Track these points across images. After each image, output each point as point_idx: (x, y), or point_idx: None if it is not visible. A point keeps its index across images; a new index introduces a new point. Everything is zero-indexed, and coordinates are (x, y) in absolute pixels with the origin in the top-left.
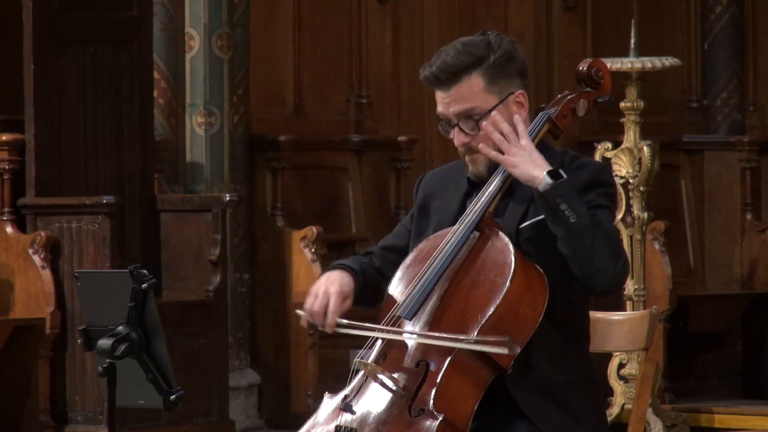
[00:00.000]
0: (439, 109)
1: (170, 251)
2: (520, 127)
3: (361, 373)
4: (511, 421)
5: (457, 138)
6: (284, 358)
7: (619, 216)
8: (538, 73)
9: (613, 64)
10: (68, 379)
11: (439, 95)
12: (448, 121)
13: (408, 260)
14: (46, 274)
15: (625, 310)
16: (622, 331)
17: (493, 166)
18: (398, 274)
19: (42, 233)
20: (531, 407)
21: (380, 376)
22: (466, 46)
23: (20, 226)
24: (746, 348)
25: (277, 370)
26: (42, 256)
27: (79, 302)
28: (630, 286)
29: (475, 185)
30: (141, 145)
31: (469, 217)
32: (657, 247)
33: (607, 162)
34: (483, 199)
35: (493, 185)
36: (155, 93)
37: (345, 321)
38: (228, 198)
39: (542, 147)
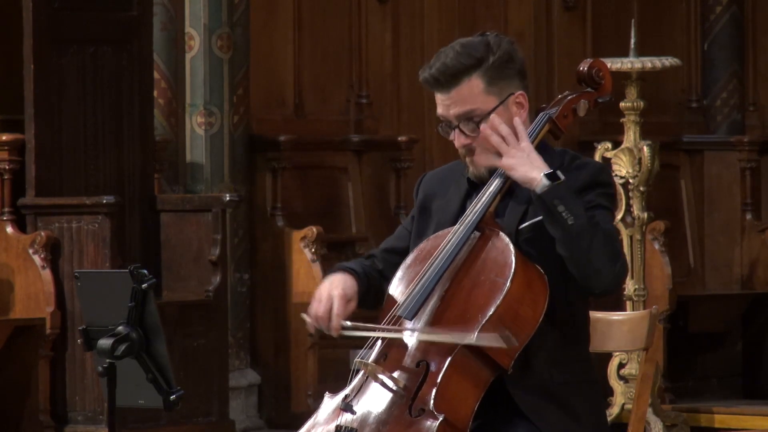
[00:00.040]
0: (439, 110)
1: (170, 251)
2: (520, 129)
3: (362, 373)
4: (511, 421)
5: (458, 140)
6: (284, 358)
7: (619, 216)
8: (538, 73)
9: (613, 64)
10: (68, 379)
11: (439, 97)
12: (448, 123)
13: (408, 260)
14: (46, 274)
15: (625, 310)
16: (622, 331)
17: (494, 167)
18: (398, 274)
19: (42, 233)
20: (531, 407)
21: (381, 376)
22: (466, 48)
23: (20, 226)
24: (746, 348)
25: (277, 370)
26: (42, 256)
27: (79, 302)
28: (630, 286)
29: (475, 185)
30: (141, 145)
31: (469, 217)
32: (657, 247)
33: (607, 162)
34: (483, 199)
35: (494, 185)
36: (155, 93)
37: (349, 323)
38: (228, 198)
39: (542, 147)
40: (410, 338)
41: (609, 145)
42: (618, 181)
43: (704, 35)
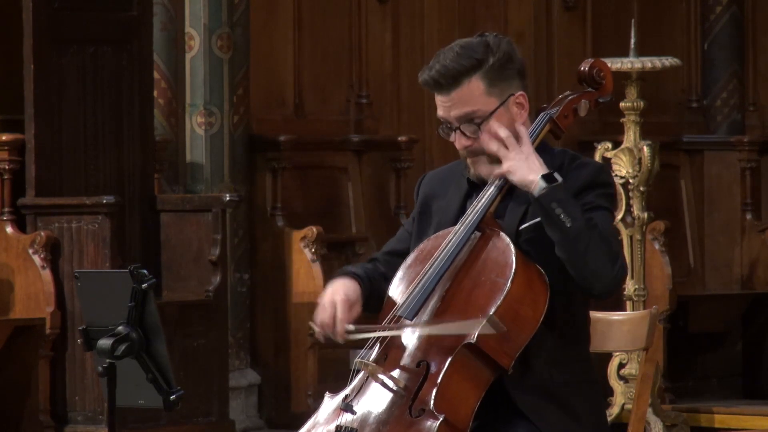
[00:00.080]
0: (440, 112)
1: (170, 251)
2: (523, 133)
3: (362, 373)
4: (511, 421)
5: (459, 141)
6: (284, 358)
7: (619, 216)
8: (538, 73)
9: (613, 64)
10: (68, 379)
11: (439, 99)
12: (448, 125)
13: (409, 260)
14: (46, 274)
15: (625, 310)
16: (622, 331)
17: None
18: (399, 274)
19: (42, 233)
20: (531, 408)
21: (381, 376)
22: (465, 49)
23: (20, 226)
24: (746, 348)
25: (277, 370)
26: (42, 256)
27: (79, 302)
28: (630, 286)
29: (476, 185)
30: (141, 145)
31: (470, 218)
32: (657, 247)
33: (607, 162)
34: (484, 199)
35: (494, 186)
36: (155, 93)
37: (353, 327)
38: (228, 198)
39: (542, 147)
40: (412, 336)
41: (609, 145)
42: (618, 181)
43: (704, 35)
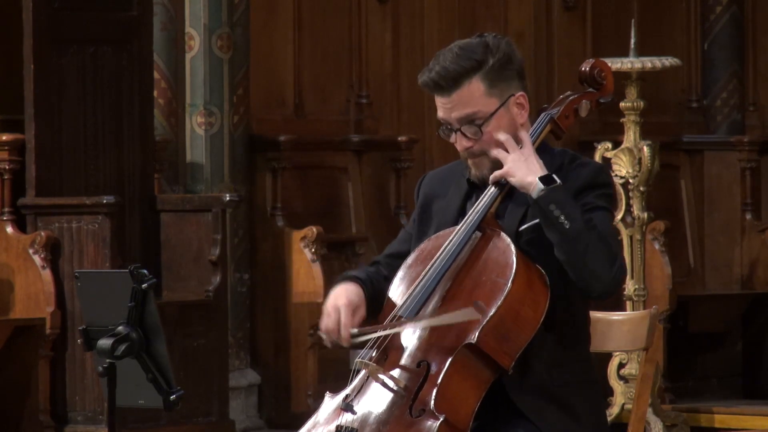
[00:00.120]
0: (440, 114)
1: (170, 251)
2: (524, 136)
3: (362, 372)
4: (511, 421)
5: (460, 143)
6: (284, 358)
7: (619, 216)
8: (538, 74)
9: (613, 64)
10: (68, 379)
11: (440, 100)
12: (449, 126)
13: (409, 260)
14: (46, 274)
15: (625, 310)
16: (622, 331)
17: (496, 169)
18: (399, 273)
19: (42, 233)
20: (531, 408)
21: (381, 376)
22: (464, 50)
23: (20, 226)
24: (746, 348)
25: (277, 370)
26: (42, 256)
27: (79, 302)
28: (630, 286)
29: (476, 186)
30: (141, 145)
31: (471, 218)
32: (657, 247)
33: (607, 162)
34: (485, 199)
35: (495, 186)
36: (155, 93)
37: (356, 330)
38: (228, 198)
39: (542, 148)
40: (412, 337)
41: (609, 145)
42: (618, 181)
43: (704, 35)
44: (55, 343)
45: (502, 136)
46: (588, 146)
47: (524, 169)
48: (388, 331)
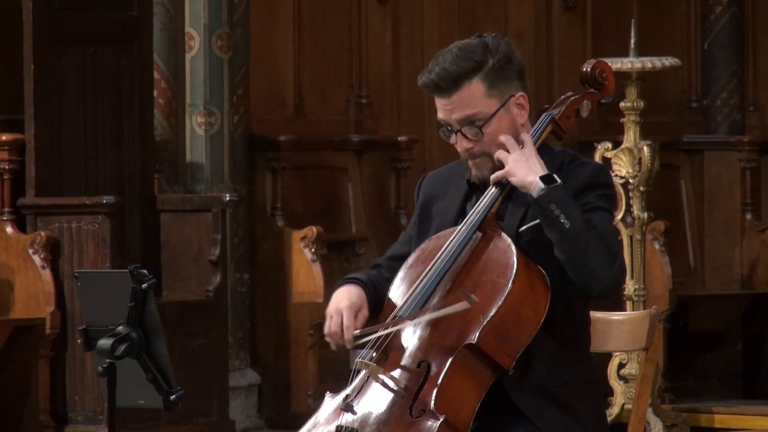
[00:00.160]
0: (440, 115)
1: (170, 251)
2: (524, 136)
3: (363, 373)
4: (511, 421)
5: (460, 144)
6: (284, 358)
7: (619, 216)
8: (539, 74)
9: (613, 64)
10: (68, 379)
11: (440, 102)
12: (449, 127)
13: (410, 260)
14: (46, 274)
15: (625, 310)
16: (622, 331)
17: (497, 170)
18: (400, 274)
19: (42, 233)
20: (531, 408)
21: (382, 377)
22: (464, 51)
23: (20, 226)
24: (746, 348)
25: (277, 370)
26: (42, 256)
27: (79, 302)
28: (630, 286)
29: (476, 187)
30: (141, 145)
31: (471, 218)
32: (657, 247)
33: (607, 162)
34: (485, 200)
35: (496, 187)
36: (155, 93)
37: (358, 332)
38: (228, 198)
39: (542, 148)
40: (412, 337)
41: (609, 145)
42: (618, 181)
43: (704, 35)
44: (55, 343)
45: (503, 137)
46: (588, 146)
47: (525, 168)
48: (389, 330)
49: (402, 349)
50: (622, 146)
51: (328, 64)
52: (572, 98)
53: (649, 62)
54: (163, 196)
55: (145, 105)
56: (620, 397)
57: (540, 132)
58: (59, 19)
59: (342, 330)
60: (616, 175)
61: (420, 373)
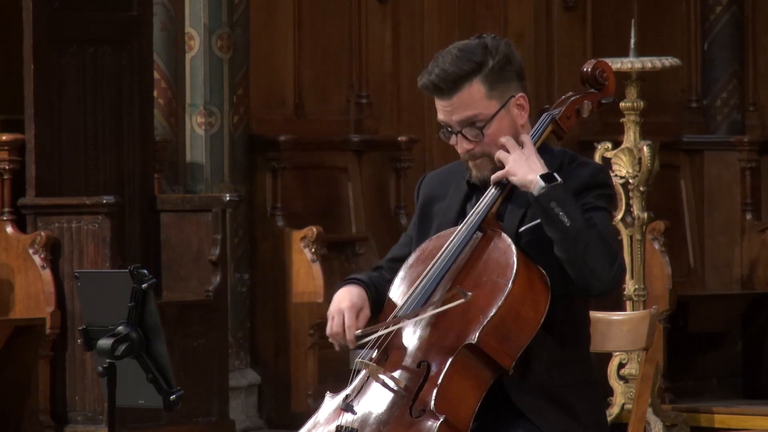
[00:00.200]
0: (440, 116)
1: (170, 251)
2: (524, 137)
3: (363, 373)
4: (511, 421)
5: (461, 145)
6: (284, 358)
7: (619, 216)
8: (539, 74)
9: (613, 64)
10: (68, 379)
11: (440, 103)
12: (449, 129)
13: (410, 260)
14: (46, 274)
15: (625, 310)
16: (622, 331)
17: (497, 171)
18: (400, 274)
19: (42, 233)
20: (531, 408)
21: (382, 377)
22: (464, 52)
23: (20, 226)
24: (746, 348)
25: (277, 370)
26: (42, 256)
27: (79, 302)
28: (630, 286)
29: (475, 187)
30: (141, 145)
31: (471, 218)
32: (657, 247)
33: (607, 162)
34: (486, 200)
35: (496, 187)
36: (155, 93)
37: (359, 332)
38: (228, 198)
39: (542, 148)
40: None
41: (609, 145)
42: (618, 181)
43: (704, 35)
44: (55, 343)
45: (503, 138)
46: (588, 146)
47: (525, 167)
48: (390, 329)
49: (402, 349)
50: (622, 146)
51: (328, 64)
52: (573, 98)
53: (649, 62)
54: (163, 196)
55: (145, 105)
56: (620, 397)
57: (540, 132)
58: (59, 19)
59: (344, 330)
60: (616, 175)
61: (420, 373)
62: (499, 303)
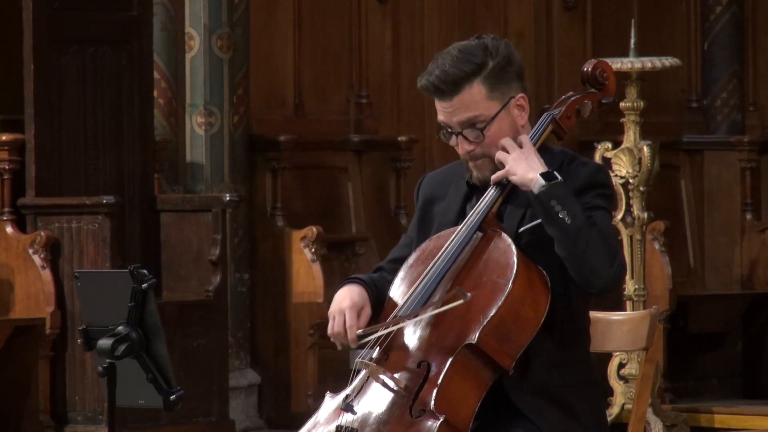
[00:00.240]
0: (440, 117)
1: (170, 251)
2: (523, 138)
3: (363, 372)
4: (511, 421)
5: (461, 146)
6: (284, 358)
7: (619, 216)
8: (539, 74)
9: (613, 64)
10: (68, 379)
11: (440, 105)
12: (449, 130)
13: (411, 260)
14: (46, 274)
15: (625, 310)
16: (622, 331)
17: (497, 171)
18: (401, 273)
19: (42, 233)
20: (531, 408)
21: (382, 377)
22: (464, 53)
23: (20, 226)
24: (746, 348)
25: (277, 370)
26: (42, 256)
27: (79, 302)
28: (630, 286)
29: (475, 188)
30: (141, 145)
31: (472, 218)
32: (657, 247)
33: (607, 162)
34: (486, 200)
35: (496, 187)
36: (155, 93)
37: (361, 331)
38: (228, 198)
39: (542, 148)
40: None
41: (609, 145)
42: (618, 181)
43: (704, 35)
44: (55, 343)
45: (503, 141)
46: (588, 146)
47: (525, 166)
48: (391, 329)
49: (402, 349)
50: (622, 146)
51: (328, 64)
52: (573, 98)
53: (649, 62)
54: (163, 196)
55: (145, 105)
56: (620, 397)
57: (541, 132)
58: (59, 19)
59: (345, 330)
60: (616, 175)
61: (420, 373)
62: (499, 303)
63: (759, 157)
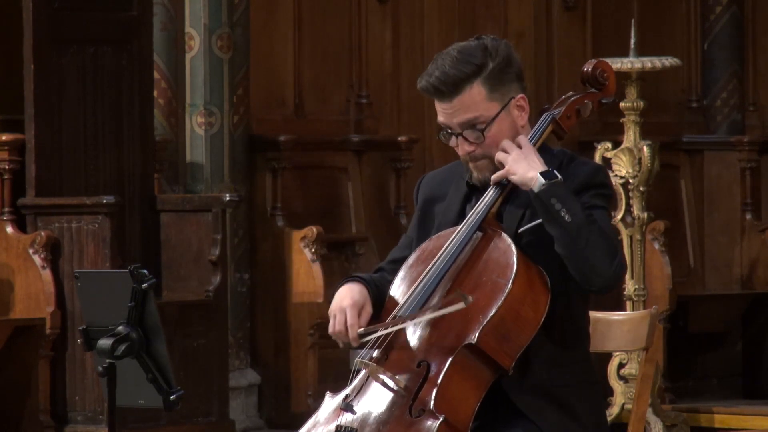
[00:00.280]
0: (440, 118)
1: (170, 251)
2: (522, 139)
3: (363, 372)
4: (511, 421)
5: (462, 147)
6: (284, 358)
7: (619, 216)
8: (539, 74)
9: (613, 64)
10: (68, 379)
11: (440, 106)
12: (449, 130)
13: (411, 260)
14: (46, 274)
15: (625, 310)
16: (622, 331)
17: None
18: (401, 273)
19: (42, 233)
20: (531, 408)
21: (381, 376)
22: (464, 54)
23: (20, 226)
24: (746, 348)
25: (277, 370)
26: (42, 256)
27: (79, 302)
28: (630, 286)
29: (475, 188)
30: (141, 145)
31: (472, 218)
32: (657, 247)
33: (607, 162)
34: (486, 200)
35: (496, 187)
36: (155, 93)
37: (362, 330)
38: (228, 198)
39: (541, 148)
40: (413, 337)
41: (609, 145)
42: (618, 181)
43: (704, 35)
44: (55, 343)
45: (503, 143)
46: (588, 146)
47: (525, 165)
48: (391, 329)
49: (402, 349)
50: (622, 146)
51: (328, 64)
52: (573, 98)
53: (649, 62)
54: (163, 196)
55: (145, 105)
56: (620, 397)
57: (540, 132)
58: (59, 19)
59: (346, 329)
60: (615, 175)
61: (420, 373)
62: (499, 303)
63: (759, 157)
